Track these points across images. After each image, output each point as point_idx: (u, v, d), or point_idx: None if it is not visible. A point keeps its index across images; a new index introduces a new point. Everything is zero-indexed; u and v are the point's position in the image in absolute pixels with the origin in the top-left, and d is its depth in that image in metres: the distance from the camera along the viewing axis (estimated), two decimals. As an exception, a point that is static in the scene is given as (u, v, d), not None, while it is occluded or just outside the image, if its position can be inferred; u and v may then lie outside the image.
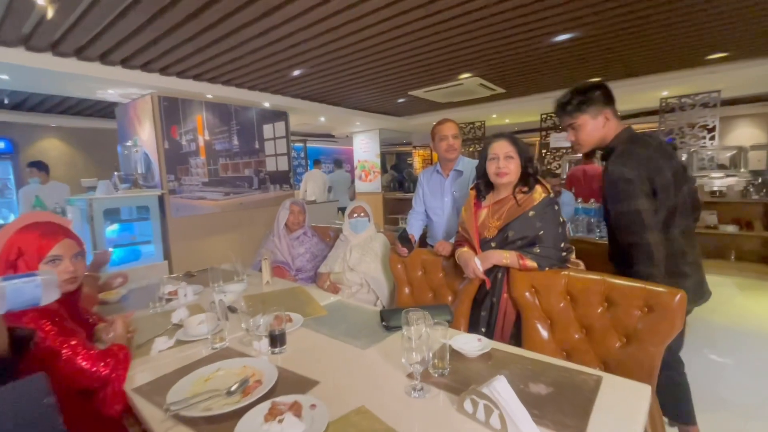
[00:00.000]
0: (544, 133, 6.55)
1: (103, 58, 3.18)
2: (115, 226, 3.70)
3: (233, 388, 0.99)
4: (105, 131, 6.12)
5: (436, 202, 2.19)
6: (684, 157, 4.83)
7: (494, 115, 6.72)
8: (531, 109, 6.10)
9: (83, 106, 5.31)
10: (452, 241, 1.90)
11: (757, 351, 2.60)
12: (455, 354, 1.15)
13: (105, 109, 5.31)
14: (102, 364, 1.05)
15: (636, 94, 4.96)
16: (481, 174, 1.64)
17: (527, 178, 1.57)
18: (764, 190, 4.24)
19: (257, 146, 4.74)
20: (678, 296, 1.13)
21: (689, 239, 1.45)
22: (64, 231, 1.14)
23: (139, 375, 1.14)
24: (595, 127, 1.49)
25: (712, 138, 4.87)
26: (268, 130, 4.85)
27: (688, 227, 1.45)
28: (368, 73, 4.08)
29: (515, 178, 1.56)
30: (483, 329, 1.62)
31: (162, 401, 0.97)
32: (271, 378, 1.04)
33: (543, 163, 6.52)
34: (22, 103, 5.02)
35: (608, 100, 1.48)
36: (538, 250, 1.47)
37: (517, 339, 1.51)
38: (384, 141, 8.04)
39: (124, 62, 3.31)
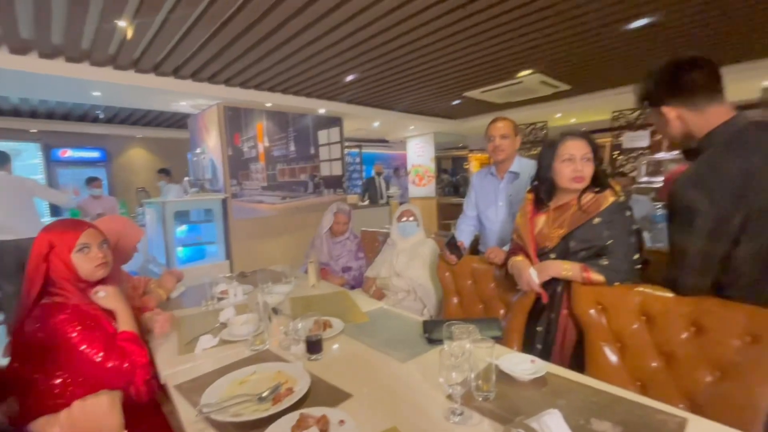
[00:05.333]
0: (616, 132, 5.99)
1: (177, 72, 3.47)
2: (184, 227, 4.01)
3: (264, 395, 0.97)
4: (180, 140, 6.73)
5: (488, 206, 2.04)
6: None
7: (558, 115, 6.28)
8: (601, 107, 5.61)
9: (162, 119, 5.88)
10: (506, 248, 1.75)
11: None
12: (503, 376, 1.03)
13: (180, 121, 5.83)
14: (113, 363, 1.05)
15: (729, 85, 4.31)
16: (544, 176, 1.46)
17: (597, 180, 1.39)
18: None
19: (312, 152, 4.88)
20: (794, 325, 0.90)
21: None
22: (85, 223, 1.23)
23: (182, 372, 1.17)
24: (662, 123, 1.14)
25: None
26: (323, 135, 4.97)
27: None
28: (421, 74, 4.01)
29: (589, 183, 1.38)
30: (539, 346, 1.46)
31: (199, 400, 0.97)
32: (303, 387, 1.00)
33: (614, 166, 5.95)
34: (114, 116, 5.69)
35: (672, 90, 1.09)
36: (606, 262, 1.28)
37: (578, 362, 1.32)
38: (439, 145, 7.90)
39: (194, 75, 3.58)
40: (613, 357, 1.25)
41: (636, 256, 1.29)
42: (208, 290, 1.86)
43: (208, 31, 2.66)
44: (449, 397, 0.93)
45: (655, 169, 5.36)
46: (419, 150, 7.93)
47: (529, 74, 4.15)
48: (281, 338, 1.36)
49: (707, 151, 1.04)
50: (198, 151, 4.42)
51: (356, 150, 10.03)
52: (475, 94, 4.86)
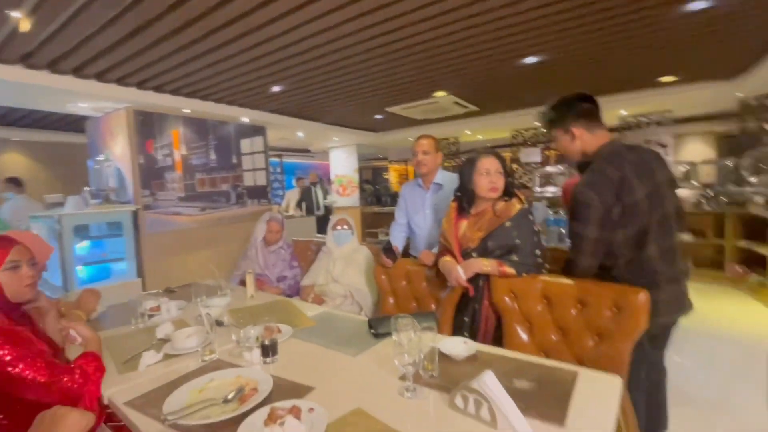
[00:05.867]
0: (515, 148, 6.86)
1: (78, 71, 3.13)
2: (85, 243, 3.56)
3: (230, 396, 1.01)
4: (72, 145, 5.89)
5: (417, 213, 2.26)
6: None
7: (468, 132, 6.97)
8: (503, 126, 6.39)
9: (49, 120, 5.12)
10: (434, 250, 1.97)
11: (713, 350, 2.81)
12: (443, 357, 1.21)
13: (73, 123, 5.14)
14: (66, 377, 1.01)
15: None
16: (465, 188, 1.70)
17: (507, 190, 1.67)
18: (715, 202, 4.62)
19: (235, 161, 4.70)
20: (641, 295, 1.24)
21: (668, 257, 1.36)
22: (13, 238, 1.16)
23: (129, 390, 1.13)
24: (566, 142, 1.50)
25: (666, 154, 5.28)
26: (245, 144, 4.83)
27: (669, 245, 1.37)
28: (347, 90, 4.19)
29: (501, 193, 1.65)
30: (466, 334, 1.68)
31: (157, 413, 0.97)
32: (267, 386, 1.06)
33: (514, 178, 6.81)
34: (-17, 116, 4.80)
35: (577, 116, 1.45)
36: (516, 258, 1.56)
37: (497, 343, 1.58)
38: (360, 156, 8.15)
39: (99, 76, 3.26)
40: (524, 335, 1.53)
41: (538, 252, 1.60)
42: (136, 308, 1.76)
43: (125, 32, 2.48)
44: (402, 377, 1.08)
45: (546, 180, 6.27)
46: (342, 161, 8.08)
47: (444, 96, 4.61)
48: (231, 347, 1.38)
49: (596, 163, 1.40)
50: (100, 158, 3.97)
51: (277, 159, 9.81)
52: (396, 110, 5.20)
